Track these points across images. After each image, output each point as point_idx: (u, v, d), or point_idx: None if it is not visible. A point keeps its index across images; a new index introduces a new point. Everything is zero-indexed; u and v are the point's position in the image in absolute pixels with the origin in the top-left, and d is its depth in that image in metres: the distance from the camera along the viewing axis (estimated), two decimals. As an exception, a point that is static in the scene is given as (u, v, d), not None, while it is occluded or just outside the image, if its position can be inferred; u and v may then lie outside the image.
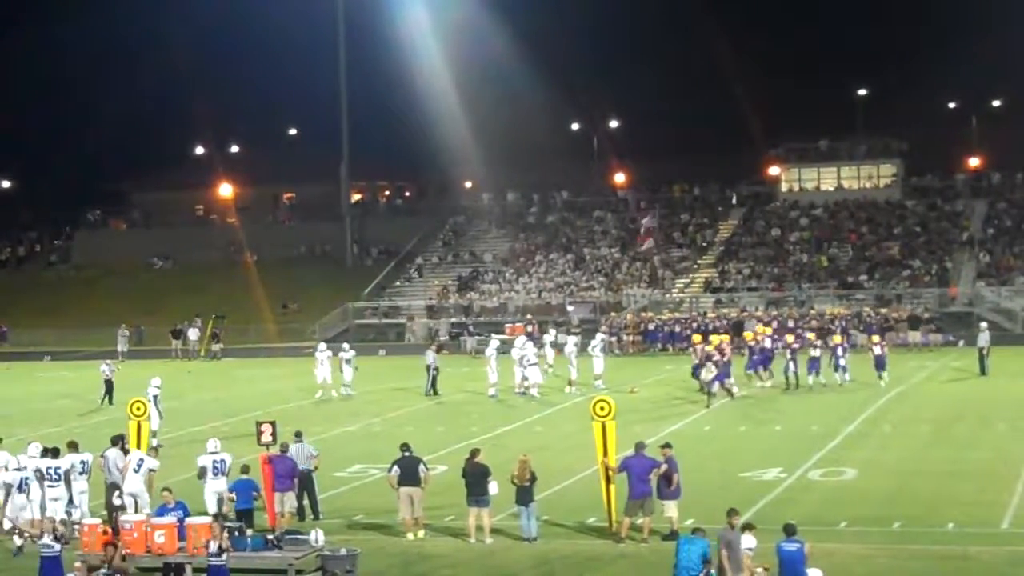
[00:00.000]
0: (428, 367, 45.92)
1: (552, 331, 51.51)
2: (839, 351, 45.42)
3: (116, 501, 24.29)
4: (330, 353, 46.58)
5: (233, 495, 24.04)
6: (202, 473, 24.83)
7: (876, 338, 49.49)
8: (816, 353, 44.72)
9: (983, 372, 47.07)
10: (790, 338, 47.19)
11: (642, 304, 70.60)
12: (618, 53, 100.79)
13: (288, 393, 46.90)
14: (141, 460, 24.84)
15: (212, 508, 24.21)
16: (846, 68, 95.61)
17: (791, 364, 44.20)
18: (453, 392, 45.92)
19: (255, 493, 24.25)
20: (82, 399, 47.17)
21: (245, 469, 24.43)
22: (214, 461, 24.88)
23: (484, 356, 46.76)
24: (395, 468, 24.03)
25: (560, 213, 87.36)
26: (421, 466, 24.05)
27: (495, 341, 47.44)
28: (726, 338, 45.81)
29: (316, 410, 42.74)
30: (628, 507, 22.92)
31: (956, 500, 25.58)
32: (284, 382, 52.06)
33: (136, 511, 23.71)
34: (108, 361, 47.98)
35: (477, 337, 65.20)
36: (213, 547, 19.67)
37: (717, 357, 41.07)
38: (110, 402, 45.32)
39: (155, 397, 35.10)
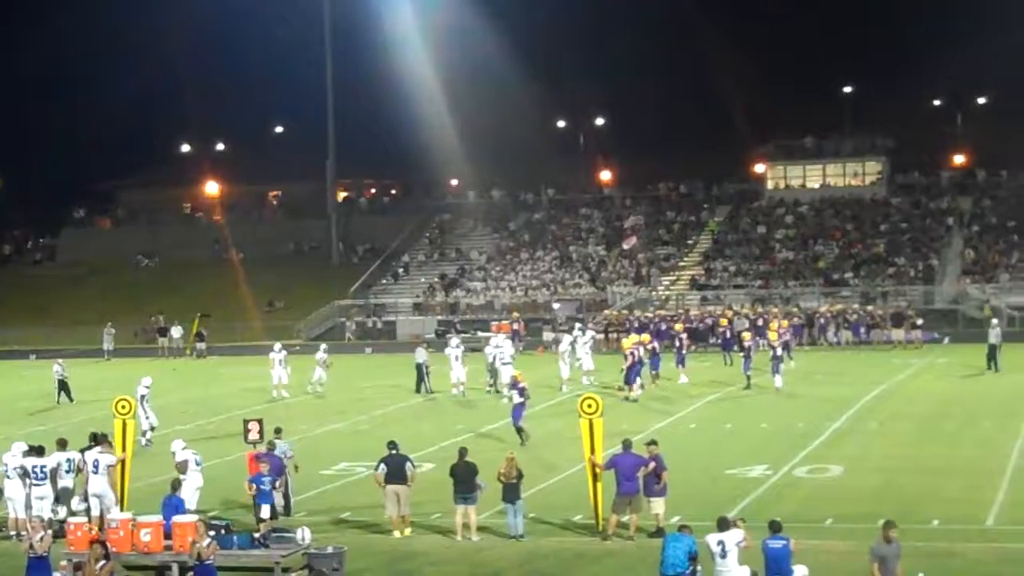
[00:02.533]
0: (419, 365, 45.67)
1: (578, 327, 51.20)
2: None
3: (78, 506, 24.14)
4: (284, 354, 46.33)
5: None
6: (184, 467, 24.73)
7: (785, 322, 52.25)
8: (780, 352, 44.54)
9: (995, 368, 46.65)
10: (747, 335, 47.35)
11: (628, 301, 70.68)
12: (604, 51, 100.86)
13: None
14: (96, 461, 24.54)
15: (191, 504, 24.12)
16: (832, 66, 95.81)
17: (746, 362, 44.28)
18: (439, 390, 45.74)
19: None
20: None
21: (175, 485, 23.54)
22: (194, 454, 24.87)
23: (445, 354, 45.82)
24: (382, 466, 24.01)
25: (546, 211, 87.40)
26: (408, 464, 24.02)
27: (455, 339, 46.84)
28: (646, 338, 45.85)
29: (302, 408, 42.66)
30: (615, 504, 22.94)
31: (941, 497, 25.65)
32: (270, 380, 51.94)
33: (100, 511, 23.59)
34: (59, 361, 47.96)
35: (463, 335, 65.13)
36: (200, 545, 19.50)
37: (523, 386, 35.16)
38: (70, 399, 46.07)
39: (142, 397, 34.94)
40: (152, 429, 35.10)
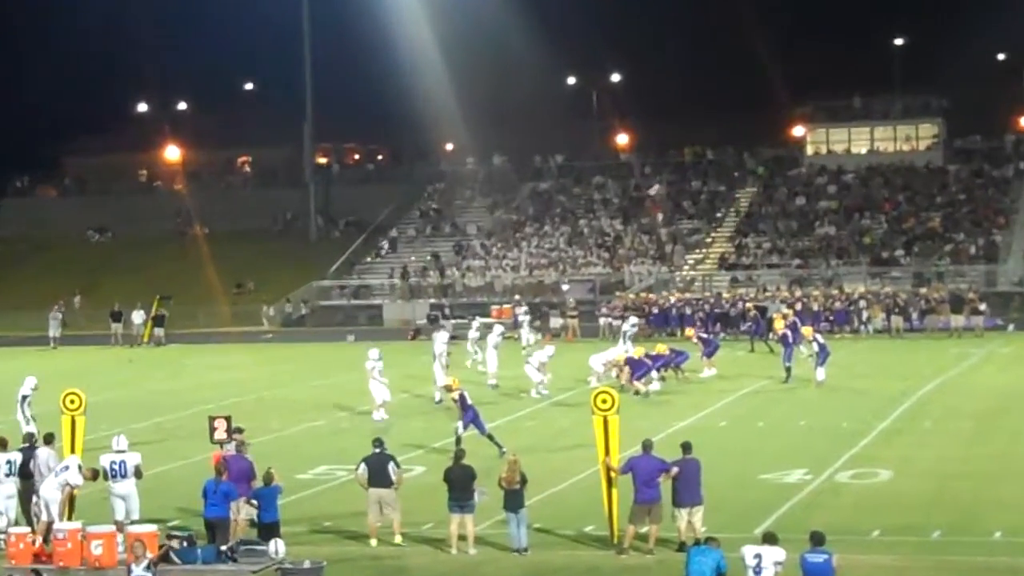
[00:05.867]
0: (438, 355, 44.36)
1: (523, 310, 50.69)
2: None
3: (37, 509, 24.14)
4: (382, 364, 39.36)
5: (254, 502, 23.56)
6: (104, 475, 24.53)
7: (790, 312, 52.36)
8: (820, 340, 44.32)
9: None
10: (778, 324, 47.24)
11: (648, 283, 70.64)
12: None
13: (245, 384, 46.80)
14: (66, 467, 24.40)
15: (117, 515, 23.98)
16: (881, 15, 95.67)
17: (786, 352, 44.23)
18: (430, 384, 45.47)
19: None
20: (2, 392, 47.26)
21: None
22: (112, 462, 24.51)
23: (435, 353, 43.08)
24: (362, 466, 24.05)
25: (554, 179, 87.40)
26: (391, 465, 23.97)
27: (444, 335, 44.19)
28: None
29: (277, 404, 42.63)
30: (633, 514, 22.89)
31: (1003, 505, 25.66)
32: (239, 372, 52.04)
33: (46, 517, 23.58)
34: None
35: (456, 320, 65.04)
36: (136, 570, 19.26)
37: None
38: None
39: (24, 398, 34.49)
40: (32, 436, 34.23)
